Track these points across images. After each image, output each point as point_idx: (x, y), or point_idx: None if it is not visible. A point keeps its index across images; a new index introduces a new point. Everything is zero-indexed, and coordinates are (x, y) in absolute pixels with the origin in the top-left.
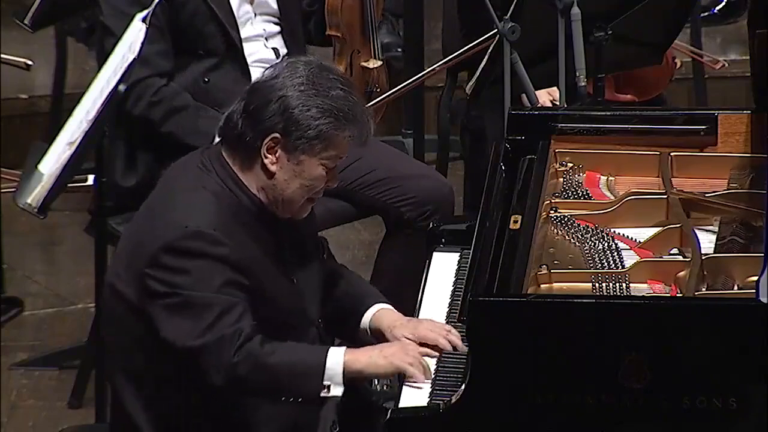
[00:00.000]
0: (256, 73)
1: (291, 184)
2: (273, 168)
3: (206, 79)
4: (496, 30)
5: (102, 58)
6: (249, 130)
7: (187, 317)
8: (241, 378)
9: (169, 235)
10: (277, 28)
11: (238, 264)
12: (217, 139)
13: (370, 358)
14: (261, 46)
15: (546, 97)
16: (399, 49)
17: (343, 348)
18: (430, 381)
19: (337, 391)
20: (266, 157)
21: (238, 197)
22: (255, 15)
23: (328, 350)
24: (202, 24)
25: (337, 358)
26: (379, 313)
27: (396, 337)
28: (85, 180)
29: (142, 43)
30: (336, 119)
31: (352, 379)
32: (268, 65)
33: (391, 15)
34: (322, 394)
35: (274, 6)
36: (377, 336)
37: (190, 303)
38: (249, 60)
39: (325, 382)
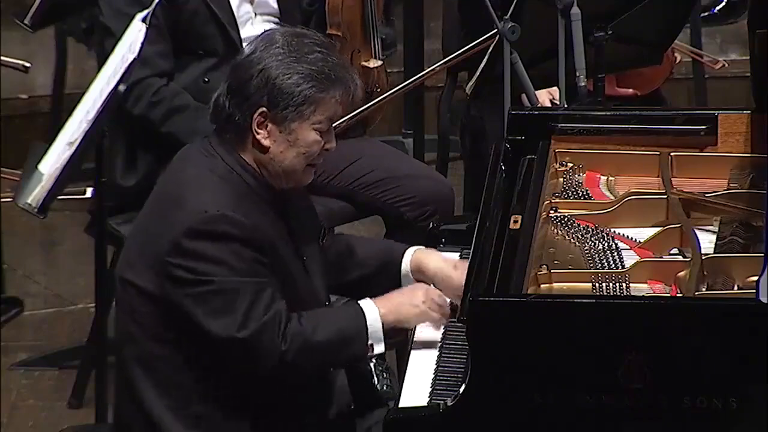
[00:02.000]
0: None
1: (288, 155)
2: (266, 142)
3: (206, 79)
4: (496, 30)
5: (102, 58)
6: (236, 109)
7: (221, 307)
8: (292, 362)
9: (189, 221)
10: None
11: (259, 244)
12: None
13: (399, 306)
14: None
15: (546, 96)
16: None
17: (372, 302)
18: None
19: (379, 347)
20: (258, 133)
21: (245, 179)
22: (255, 15)
23: (363, 310)
24: (202, 24)
25: (374, 314)
26: (416, 255)
27: (454, 289)
28: (84, 192)
29: (142, 44)
30: (319, 82)
31: (393, 329)
32: None
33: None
34: (368, 354)
35: (275, 6)
36: (421, 280)
37: (221, 290)
38: None
39: (369, 342)
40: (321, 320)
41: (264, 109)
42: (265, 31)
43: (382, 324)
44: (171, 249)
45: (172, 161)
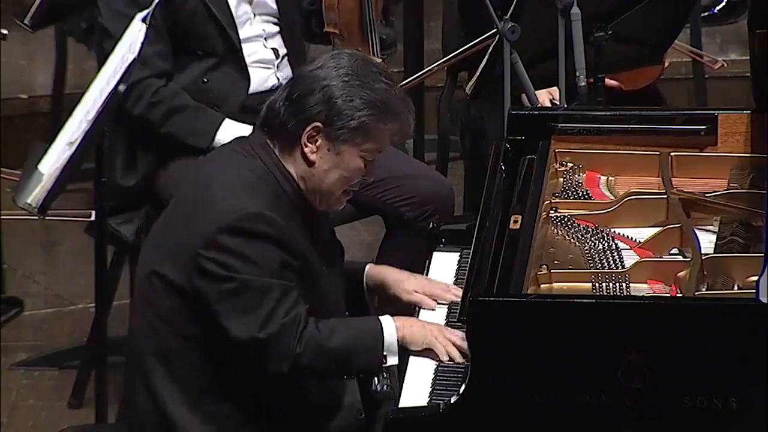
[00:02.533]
0: (255, 74)
1: (330, 175)
2: (313, 157)
3: (205, 80)
4: (496, 30)
5: (102, 58)
6: (291, 117)
7: (246, 306)
8: (306, 366)
9: (227, 217)
10: (276, 28)
11: (292, 247)
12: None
13: (412, 328)
14: (260, 46)
15: (546, 96)
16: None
17: (389, 316)
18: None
19: (393, 360)
20: (307, 146)
21: (281, 184)
22: (254, 15)
23: (381, 322)
24: (200, 24)
25: (390, 328)
26: (374, 269)
27: (406, 290)
28: (89, 216)
29: (142, 44)
30: (379, 111)
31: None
32: (267, 65)
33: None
34: (383, 366)
35: (273, 6)
36: (377, 292)
37: (248, 288)
38: (248, 60)
39: (384, 353)
40: (338, 327)
41: (319, 124)
42: (333, 51)
43: (399, 338)
44: (205, 242)
45: (203, 161)
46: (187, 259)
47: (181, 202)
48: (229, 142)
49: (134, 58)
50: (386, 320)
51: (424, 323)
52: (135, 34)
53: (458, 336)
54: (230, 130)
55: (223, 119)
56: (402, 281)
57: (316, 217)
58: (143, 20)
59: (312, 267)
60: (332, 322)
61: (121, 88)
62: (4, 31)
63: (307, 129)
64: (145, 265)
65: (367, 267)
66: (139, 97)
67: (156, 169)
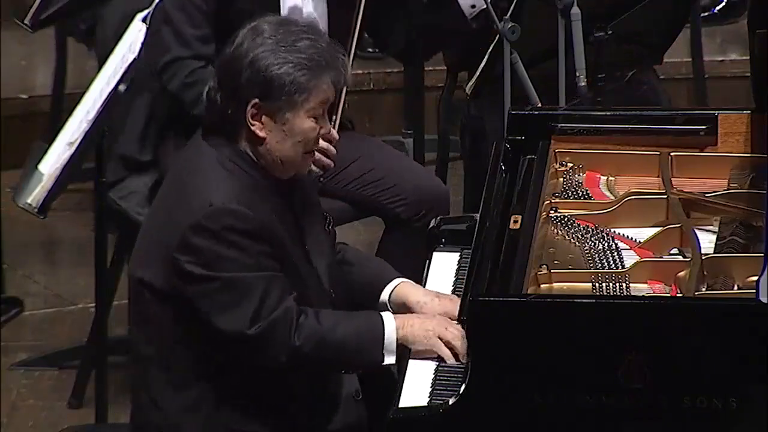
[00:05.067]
0: None
1: (284, 144)
2: (262, 134)
3: None
4: (496, 30)
5: (102, 58)
6: (229, 102)
7: (230, 303)
8: (306, 357)
9: (194, 216)
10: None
11: (266, 236)
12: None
13: (411, 327)
14: None
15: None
16: (376, 50)
17: (391, 315)
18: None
19: (391, 359)
20: (253, 125)
21: (247, 171)
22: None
23: (383, 319)
24: (247, 18)
25: (391, 326)
26: (401, 287)
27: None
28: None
29: (142, 43)
30: (310, 69)
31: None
32: None
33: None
34: (381, 363)
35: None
36: (400, 311)
37: (231, 285)
38: None
39: (383, 352)
40: (341, 320)
41: (257, 101)
42: (252, 24)
43: (398, 337)
44: (179, 245)
45: (176, 156)
46: (165, 262)
47: (159, 201)
48: (195, 136)
49: (134, 58)
50: (388, 318)
51: (425, 320)
52: (135, 34)
53: (459, 332)
54: None
55: None
56: (424, 305)
57: (290, 192)
58: (143, 20)
59: (287, 248)
60: (335, 314)
61: (121, 88)
62: None
63: (248, 108)
64: (134, 269)
65: (394, 283)
66: (174, 75)
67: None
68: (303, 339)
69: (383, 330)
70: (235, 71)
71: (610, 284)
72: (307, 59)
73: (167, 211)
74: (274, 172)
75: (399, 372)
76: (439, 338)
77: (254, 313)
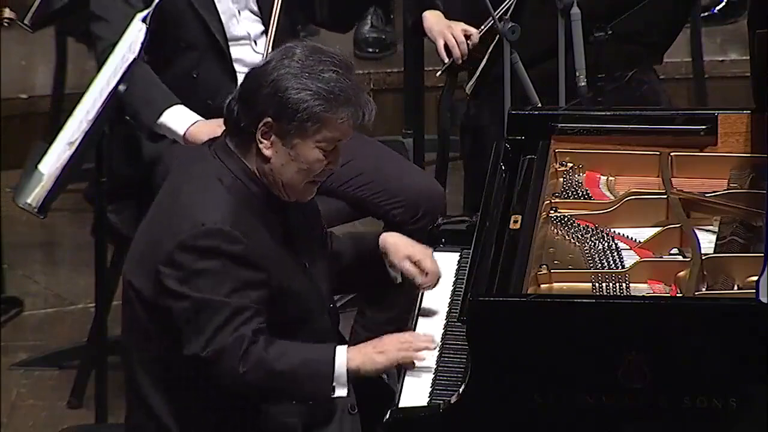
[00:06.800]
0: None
1: (287, 169)
2: (268, 153)
3: (195, 74)
4: (495, 29)
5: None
6: (244, 115)
7: (195, 324)
8: (251, 386)
9: (185, 233)
10: (262, 28)
11: (254, 260)
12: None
13: (365, 356)
14: (249, 50)
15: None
16: (376, 50)
17: (345, 347)
18: (435, 349)
19: (342, 391)
20: (261, 142)
21: (248, 186)
22: (239, 13)
23: (334, 351)
24: (181, 15)
25: (342, 358)
26: (381, 238)
27: (398, 257)
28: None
29: (142, 44)
30: (327, 101)
31: (353, 378)
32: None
33: (378, 6)
34: (330, 396)
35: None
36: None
37: (198, 306)
38: (237, 66)
39: (333, 384)
40: (289, 351)
41: (269, 119)
42: (286, 45)
43: (348, 369)
44: (164, 258)
45: (178, 162)
46: (150, 272)
47: (155, 208)
48: (202, 145)
49: (134, 58)
50: (339, 351)
51: (377, 343)
52: (135, 34)
53: (411, 335)
54: (179, 114)
55: (178, 102)
56: (397, 246)
57: (290, 211)
58: (143, 20)
59: (285, 268)
60: (285, 345)
61: (121, 88)
62: (10, 15)
63: (260, 125)
64: (127, 272)
65: (380, 238)
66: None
67: (156, 158)
68: (248, 366)
69: (334, 361)
70: (257, 85)
71: (610, 284)
72: (327, 91)
73: (160, 224)
74: (276, 192)
75: (399, 372)
76: (400, 350)
77: (211, 335)
